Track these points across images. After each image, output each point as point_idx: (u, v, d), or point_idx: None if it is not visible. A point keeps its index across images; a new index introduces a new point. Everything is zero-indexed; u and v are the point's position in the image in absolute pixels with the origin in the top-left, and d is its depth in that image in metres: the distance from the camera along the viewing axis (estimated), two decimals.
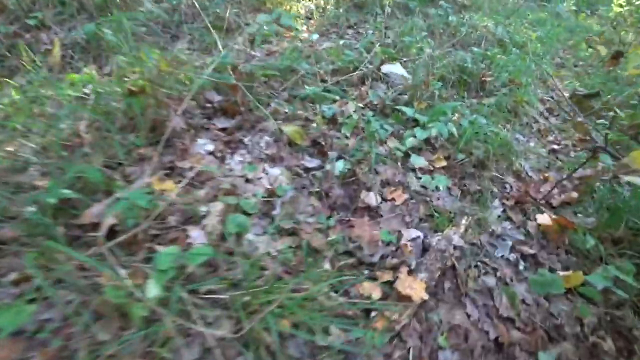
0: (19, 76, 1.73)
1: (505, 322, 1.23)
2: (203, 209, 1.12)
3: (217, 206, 1.12)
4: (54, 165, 1.15)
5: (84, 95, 1.47)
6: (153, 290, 0.88)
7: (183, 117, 1.40)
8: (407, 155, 1.65)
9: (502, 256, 1.44)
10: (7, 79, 1.60)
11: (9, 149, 1.24)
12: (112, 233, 1.02)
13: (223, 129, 1.43)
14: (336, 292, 1.09)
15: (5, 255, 1.00)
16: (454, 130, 1.67)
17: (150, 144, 1.29)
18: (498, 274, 1.36)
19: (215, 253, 0.98)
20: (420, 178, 1.58)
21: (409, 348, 1.09)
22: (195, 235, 1.05)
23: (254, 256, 1.06)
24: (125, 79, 1.40)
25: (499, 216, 1.60)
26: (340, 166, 1.38)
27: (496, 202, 1.69)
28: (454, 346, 1.14)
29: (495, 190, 1.75)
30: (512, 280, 1.36)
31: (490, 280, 1.33)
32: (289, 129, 1.44)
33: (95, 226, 1.04)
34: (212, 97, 1.55)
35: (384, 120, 1.68)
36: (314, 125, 1.55)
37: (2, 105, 1.43)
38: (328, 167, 1.37)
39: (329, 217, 1.25)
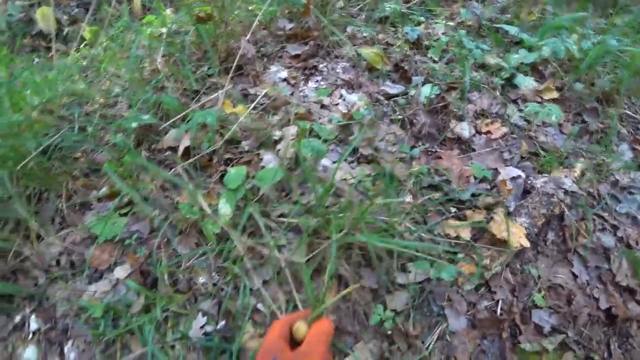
0: (109, 25, 1.84)
1: (622, 291, 1.00)
2: (277, 133, 1.06)
3: (291, 130, 1.05)
4: (137, 98, 1.19)
5: (160, 34, 1.49)
6: (224, 209, 0.86)
7: (254, 45, 1.33)
8: (507, 83, 1.38)
9: (627, 213, 1.15)
10: (100, 29, 1.70)
11: (102, 88, 1.31)
12: (189, 157, 1.03)
13: (296, 56, 1.33)
14: (417, 227, 0.97)
15: (103, 175, 1.07)
16: (574, 48, 1.33)
17: (223, 73, 1.26)
18: (619, 233, 1.10)
19: (287, 174, 0.92)
20: (522, 110, 1.32)
21: (498, 300, 0.95)
22: (268, 158, 1.00)
23: (329, 182, 0.98)
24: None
25: (626, 163, 1.28)
26: (426, 91, 1.19)
27: (624, 146, 1.35)
28: (553, 308, 0.96)
29: (624, 131, 1.40)
30: (637, 243, 1.09)
31: (608, 239, 1.08)
32: (368, 52, 1.28)
33: (173, 151, 1.06)
34: (284, 25, 1.44)
35: (480, 42, 1.41)
36: (396, 48, 1.36)
37: (97, 52, 1.54)
38: (413, 92, 1.20)
39: (412, 147, 1.11)
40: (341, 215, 0.87)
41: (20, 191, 0.93)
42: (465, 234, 0.99)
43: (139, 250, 0.90)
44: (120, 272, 0.89)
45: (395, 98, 1.22)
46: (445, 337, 0.89)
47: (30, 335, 0.90)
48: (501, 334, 0.92)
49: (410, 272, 0.93)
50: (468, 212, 1.05)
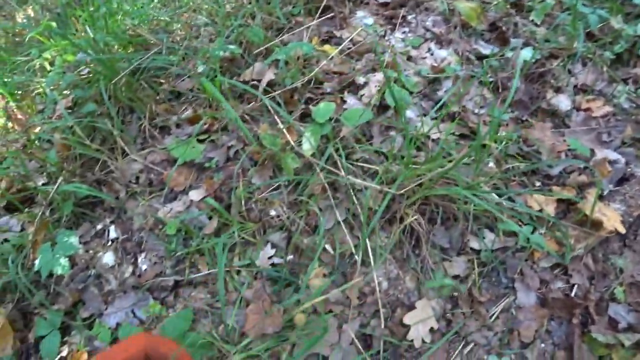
0: None
1: None
2: (361, 78, 1.01)
3: (377, 76, 1.00)
4: (222, 30, 1.18)
5: None
6: (308, 143, 0.84)
7: None
8: (618, 60, 1.22)
9: None
10: None
11: (185, 19, 1.31)
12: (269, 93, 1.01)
13: (384, 4, 1.25)
14: (499, 195, 0.90)
15: (184, 102, 1.09)
16: None
17: (308, 14, 1.21)
18: None
19: (374, 117, 0.88)
20: (633, 91, 1.16)
21: (573, 285, 0.87)
22: (352, 102, 0.96)
23: (412, 134, 0.93)
24: None
25: None
26: (526, 55, 1.08)
27: None
28: (633, 305, 0.87)
29: None
30: None
31: None
32: (464, 6, 1.17)
33: (255, 87, 1.04)
34: None
35: (595, 7, 1.24)
36: (493, 6, 1.24)
37: None
38: (509, 55, 1.09)
39: (502, 112, 1.02)
40: (422, 167, 0.83)
41: (111, 107, 0.96)
42: (550, 209, 0.91)
43: (216, 175, 0.91)
44: (195, 194, 0.91)
45: (488, 59, 1.12)
46: (511, 310, 0.84)
47: (109, 243, 0.95)
48: (572, 318, 0.85)
49: (484, 237, 0.88)
50: (555, 188, 0.96)
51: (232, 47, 0.99)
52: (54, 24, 1.34)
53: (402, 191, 0.77)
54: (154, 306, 0.85)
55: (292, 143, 0.84)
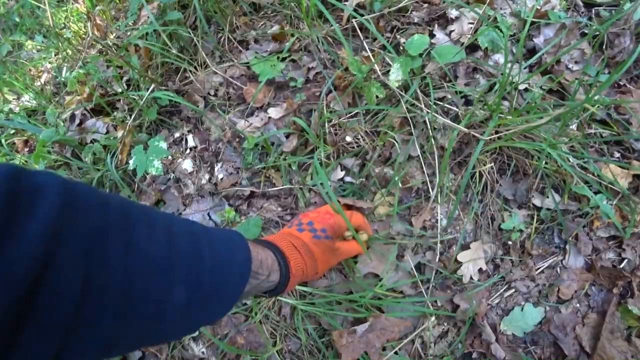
0: None
1: None
2: (453, 12, 0.95)
3: (470, 13, 0.93)
4: None
5: None
6: (396, 74, 0.83)
7: None
8: None
9: None
10: None
11: None
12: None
13: None
14: (576, 158, 0.89)
15: (263, 17, 1.06)
16: None
17: None
18: None
19: (466, 57, 0.85)
20: None
21: (624, 259, 0.89)
22: (441, 37, 0.92)
23: (498, 79, 0.89)
24: None
25: None
26: None
27: None
28: None
29: None
30: None
31: None
32: None
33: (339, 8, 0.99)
34: None
35: None
36: None
37: None
38: (627, 6, 0.98)
39: (598, 73, 0.95)
40: (507, 118, 0.81)
41: (200, 15, 0.95)
42: (624, 182, 0.90)
43: (298, 96, 0.92)
44: (274, 112, 0.93)
45: (599, 7, 1.01)
46: (557, 268, 0.89)
47: (188, 151, 1.02)
48: (613, 288, 0.89)
49: (547, 197, 0.89)
50: (635, 162, 0.93)
51: None
52: None
53: (488, 138, 0.77)
54: (229, 212, 0.93)
55: (379, 72, 0.83)
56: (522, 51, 0.95)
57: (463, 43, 0.91)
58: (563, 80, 0.93)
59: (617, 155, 0.94)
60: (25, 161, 1.21)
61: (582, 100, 0.83)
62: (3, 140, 1.25)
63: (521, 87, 0.91)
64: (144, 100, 0.95)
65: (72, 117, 1.18)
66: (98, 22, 1.11)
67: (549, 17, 0.94)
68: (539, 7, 0.96)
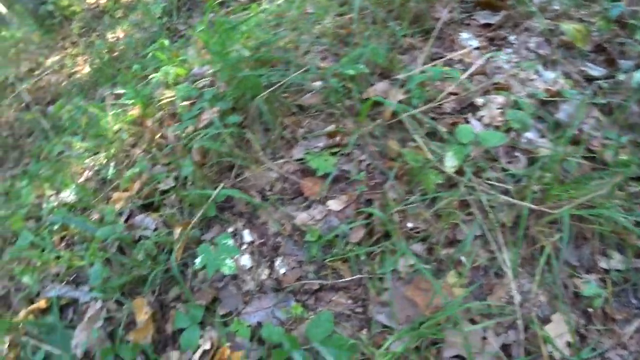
0: None
1: None
2: (480, 100, 1.06)
3: (497, 99, 1.05)
4: (338, 51, 1.24)
5: None
6: (451, 161, 0.89)
7: (446, 10, 1.31)
8: None
9: None
10: None
11: (288, 39, 1.38)
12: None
13: (486, 25, 1.30)
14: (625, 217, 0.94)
15: (308, 117, 1.15)
16: None
17: (413, 34, 1.27)
18: None
19: (506, 140, 0.93)
20: None
21: None
22: (475, 123, 1.01)
23: (535, 155, 0.97)
24: None
25: None
26: (638, 77, 1.11)
27: None
28: None
29: None
30: None
31: None
32: (569, 27, 1.21)
33: (375, 103, 1.10)
34: None
35: None
36: (596, 26, 1.27)
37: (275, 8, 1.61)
38: (621, 77, 1.13)
39: (619, 136, 1.05)
40: (557, 188, 0.87)
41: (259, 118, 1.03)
42: None
43: (359, 187, 0.97)
44: (334, 204, 0.97)
45: (597, 81, 1.15)
46: None
47: (245, 246, 1.02)
48: None
49: (612, 258, 0.91)
50: None
51: (361, 67, 1.06)
52: (166, 41, 1.44)
53: (547, 209, 0.81)
54: (296, 308, 0.91)
55: (433, 160, 0.89)
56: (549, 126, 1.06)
57: (497, 127, 1.01)
58: (591, 147, 1.01)
59: None
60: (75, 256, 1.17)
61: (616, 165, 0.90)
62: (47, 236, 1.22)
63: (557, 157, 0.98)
64: (213, 197, 0.97)
65: (120, 213, 1.18)
66: (148, 124, 1.19)
67: (562, 95, 1.06)
68: (549, 87, 1.10)
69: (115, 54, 2.13)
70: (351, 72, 1.04)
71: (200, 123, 1.07)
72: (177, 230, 1.02)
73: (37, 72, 2.55)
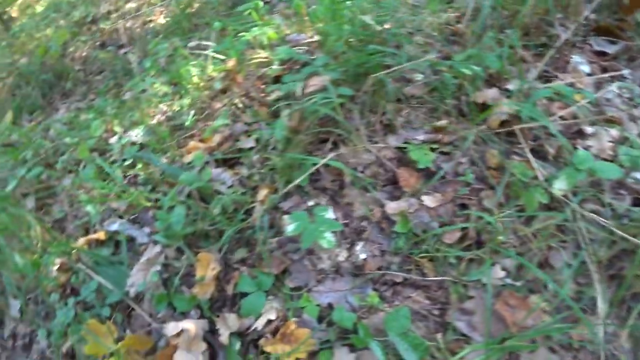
0: None
1: None
2: (589, 128, 1.03)
3: (610, 131, 1.01)
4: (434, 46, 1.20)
5: None
6: (562, 183, 0.87)
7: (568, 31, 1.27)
8: None
9: None
10: None
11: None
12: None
13: (600, 53, 1.25)
14: None
15: (409, 107, 1.12)
16: None
17: (527, 46, 1.23)
18: None
19: (622, 175, 0.90)
20: None
21: None
22: (583, 154, 0.98)
23: None
24: None
25: None
26: None
27: None
28: None
29: None
30: None
31: None
32: None
33: (483, 107, 1.07)
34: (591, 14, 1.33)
35: None
36: None
37: None
38: None
39: None
40: None
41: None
42: None
43: (461, 189, 0.95)
44: (428, 200, 0.95)
45: None
46: None
47: None
48: None
49: None
50: None
51: (477, 68, 1.03)
52: (261, 2, 1.42)
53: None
54: (373, 297, 0.89)
55: (541, 178, 0.87)
56: None
57: (605, 159, 0.97)
58: None
59: None
60: (157, 200, 1.16)
61: None
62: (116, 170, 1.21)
63: None
64: (321, 163, 0.94)
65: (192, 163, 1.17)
66: (239, 80, 1.17)
67: None
68: None
69: (193, 9, 2.10)
70: (467, 71, 1.01)
71: (308, 88, 1.05)
72: (263, 192, 1.01)
73: (114, 15, 2.56)
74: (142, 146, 1.34)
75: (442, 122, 1.01)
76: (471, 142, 1.01)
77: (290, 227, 0.87)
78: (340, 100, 0.94)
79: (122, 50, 2.23)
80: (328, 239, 0.83)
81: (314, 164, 0.97)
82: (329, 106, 0.95)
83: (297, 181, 0.95)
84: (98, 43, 2.42)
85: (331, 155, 0.99)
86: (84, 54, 2.38)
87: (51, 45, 2.28)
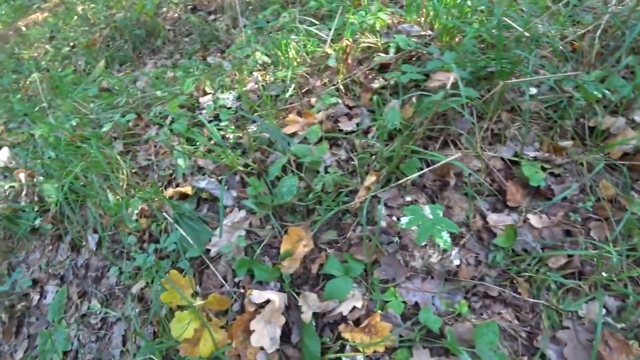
0: None
1: None
2: None
3: None
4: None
5: None
6: None
7: None
8: None
9: None
10: None
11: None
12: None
13: None
14: None
15: (521, 119, 1.09)
16: None
17: None
18: None
19: None
20: None
21: None
22: None
23: None
24: None
25: None
26: None
27: None
28: None
29: None
30: None
31: None
32: None
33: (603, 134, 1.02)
34: None
35: None
36: None
37: None
38: None
39: None
40: None
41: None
42: None
43: (573, 216, 0.92)
44: (535, 220, 0.93)
45: None
46: None
47: None
48: None
49: None
50: None
51: (607, 92, 0.97)
52: None
53: None
54: (462, 306, 0.89)
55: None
56: None
57: None
58: None
59: None
60: (246, 165, 1.17)
61: None
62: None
63: None
64: (443, 161, 0.92)
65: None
66: (349, 61, 1.16)
67: None
68: None
69: None
70: (597, 93, 0.96)
71: (431, 82, 1.02)
72: (371, 179, 1.00)
73: None
74: (234, 111, 1.36)
75: (566, 143, 0.97)
76: (586, 168, 0.97)
77: (404, 220, 0.86)
78: (465, 100, 0.91)
79: (212, 17, 2.27)
80: (445, 238, 0.82)
81: (432, 160, 0.95)
82: (457, 104, 0.93)
83: (413, 175, 0.94)
84: (190, 7, 2.48)
85: (454, 155, 0.96)
86: (175, 15, 2.45)
87: (147, 3, 2.33)
